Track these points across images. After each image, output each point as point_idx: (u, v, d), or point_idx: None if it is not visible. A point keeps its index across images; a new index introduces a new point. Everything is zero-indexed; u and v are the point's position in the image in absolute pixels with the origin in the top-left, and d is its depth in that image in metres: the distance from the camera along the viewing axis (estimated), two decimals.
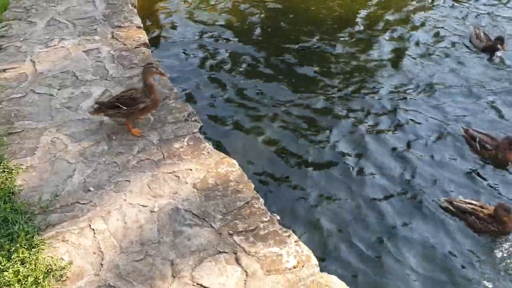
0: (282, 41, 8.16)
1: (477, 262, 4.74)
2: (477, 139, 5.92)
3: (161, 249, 3.73)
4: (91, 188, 4.25)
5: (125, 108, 4.70)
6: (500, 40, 7.64)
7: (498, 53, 7.63)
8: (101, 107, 4.79)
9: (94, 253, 3.71)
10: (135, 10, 7.30)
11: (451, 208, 5.28)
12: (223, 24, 8.66)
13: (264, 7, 9.13)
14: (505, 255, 4.85)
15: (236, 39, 8.23)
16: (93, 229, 3.88)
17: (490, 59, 7.66)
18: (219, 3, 9.29)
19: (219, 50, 7.90)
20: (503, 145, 5.78)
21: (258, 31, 8.47)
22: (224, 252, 3.72)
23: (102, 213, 4.02)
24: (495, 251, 4.89)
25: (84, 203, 4.10)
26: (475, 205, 5.24)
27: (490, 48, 7.70)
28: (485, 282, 4.55)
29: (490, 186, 5.59)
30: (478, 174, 5.70)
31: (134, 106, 4.70)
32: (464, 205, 5.23)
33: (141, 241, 3.79)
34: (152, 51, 6.62)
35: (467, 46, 7.99)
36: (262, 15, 8.91)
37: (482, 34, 7.90)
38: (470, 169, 5.75)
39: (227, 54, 7.78)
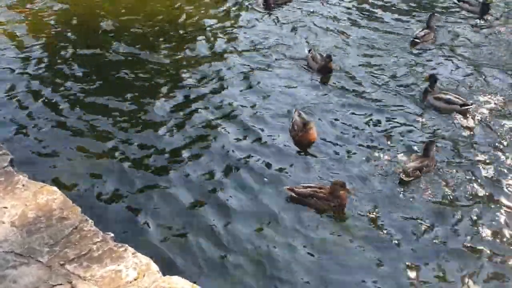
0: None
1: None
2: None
3: None
4: None
5: None
6: (329, 58, 8.13)
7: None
8: None
9: None
10: None
11: (293, 194, 5.71)
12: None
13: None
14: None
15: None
16: None
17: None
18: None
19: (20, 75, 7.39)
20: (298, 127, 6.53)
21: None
22: (58, 284, 3.52)
23: None
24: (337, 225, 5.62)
25: None
26: (314, 187, 5.74)
27: (324, 68, 8.19)
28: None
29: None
30: None
31: None
32: (304, 190, 5.69)
33: None
34: None
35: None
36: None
37: (318, 56, 8.36)
38: None
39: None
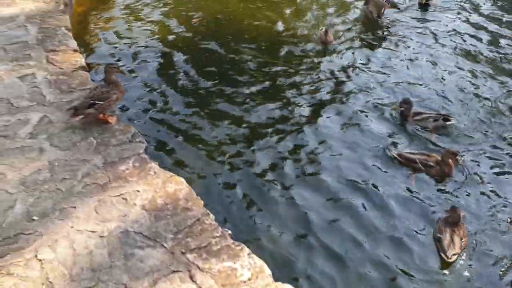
0: (221, 55, 8.32)
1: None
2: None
3: (113, 274, 3.68)
4: (35, 217, 4.12)
5: (102, 102, 5.18)
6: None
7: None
8: (78, 109, 5.17)
9: (43, 284, 3.59)
10: (70, 33, 7.14)
11: (401, 159, 6.09)
12: (160, 42, 8.72)
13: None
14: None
15: (172, 56, 8.30)
16: (40, 260, 3.76)
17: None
18: (152, 22, 9.34)
19: (157, 70, 7.96)
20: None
21: (191, 47, 8.58)
22: (178, 271, 3.72)
23: (49, 242, 3.90)
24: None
25: (28, 234, 3.97)
26: (422, 154, 6.15)
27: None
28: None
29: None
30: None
31: (109, 98, 5.23)
32: (413, 156, 6.08)
33: (92, 268, 3.72)
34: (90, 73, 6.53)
35: None
36: (197, 29, 9.05)
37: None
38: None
39: (164, 73, 7.85)
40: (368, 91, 7.58)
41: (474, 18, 9.91)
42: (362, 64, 8.32)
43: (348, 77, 7.96)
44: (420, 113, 6.91)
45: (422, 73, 8.05)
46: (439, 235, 5.12)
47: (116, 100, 5.40)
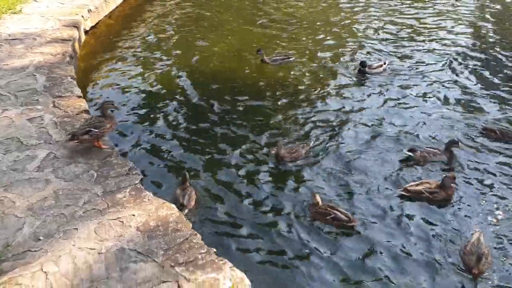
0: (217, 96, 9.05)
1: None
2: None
3: (109, 284, 4.15)
4: (41, 237, 4.63)
5: (97, 130, 5.94)
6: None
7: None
8: (75, 135, 5.92)
9: None
10: (75, 82, 7.89)
11: (407, 194, 6.51)
12: (159, 89, 9.46)
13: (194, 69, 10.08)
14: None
15: (171, 101, 9.01)
16: (45, 272, 4.24)
17: None
18: (152, 71, 10.13)
19: (154, 114, 8.61)
20: None
21: (189, 91, 9.32)
22: (167, 281, 4.20)
23: (53, 257, 4.40)
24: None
25: (35, 251, 4.47)
26: (425, 183, 6.59)
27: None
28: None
29: None
30: None
31: (103, 127, 6.02)
32: (417, 188, 6.53)
33: (91, 279, 4.20)
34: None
35: None
36: (194, 77, 9.82)
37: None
38: None
39: (161, 117, 8.51)
40: None
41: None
42: None
43: None
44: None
45: None
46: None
47: (109, 128, 6.16)
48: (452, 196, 6.50)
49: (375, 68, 9.99)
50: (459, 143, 7.32)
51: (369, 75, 9.94)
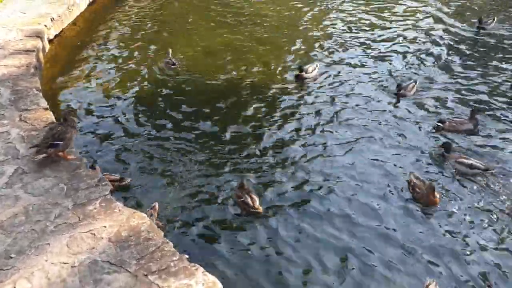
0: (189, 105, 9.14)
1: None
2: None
3: None
4: (13, 255, 4.65)
5: (61, 143, 5.97)
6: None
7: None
8: (40, 149, 5.94)
9: None
10: (40, 94, 7.83)
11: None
12: (127, 95, 9.50)
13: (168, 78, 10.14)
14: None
15: (137, 109, 9.06)
16: None
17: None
18: (119, 78, 10.13)
19: (121, 123, 8.66)
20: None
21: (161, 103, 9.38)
22: None
23: (26, 274, 4.43)
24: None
25: (7, 269, 4.49)
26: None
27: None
28: None
29: None
30: None
31: (66, 139, 6.03)
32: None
33: None
34: None
35: None
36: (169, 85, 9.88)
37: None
38: None
39: (127, 124, 8.57)
40: None
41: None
42: None
43: None
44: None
45: None
46: None
47: (71, 138, 6.20)
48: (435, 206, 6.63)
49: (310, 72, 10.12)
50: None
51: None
